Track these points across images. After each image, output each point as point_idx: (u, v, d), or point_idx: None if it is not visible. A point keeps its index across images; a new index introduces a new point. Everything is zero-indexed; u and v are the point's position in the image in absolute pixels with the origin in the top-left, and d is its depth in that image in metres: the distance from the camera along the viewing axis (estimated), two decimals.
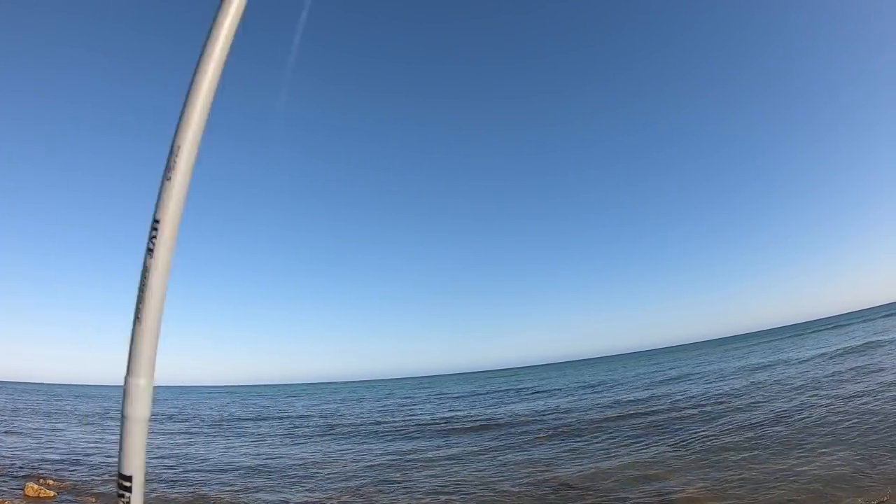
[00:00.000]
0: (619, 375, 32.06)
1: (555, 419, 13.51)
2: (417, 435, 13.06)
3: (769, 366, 21.41)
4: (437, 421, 16.07)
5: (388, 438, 12.86)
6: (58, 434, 15.08)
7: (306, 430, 16.44)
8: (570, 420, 13.04)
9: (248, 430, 17.18)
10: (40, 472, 8.91)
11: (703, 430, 9.31)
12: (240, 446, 12.93)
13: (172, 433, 16.12)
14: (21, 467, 9.25)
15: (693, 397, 14.57)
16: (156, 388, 1.12)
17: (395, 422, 17.00)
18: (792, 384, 13.79)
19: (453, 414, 18.00)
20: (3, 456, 10.48)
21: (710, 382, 18.39)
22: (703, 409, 11.94)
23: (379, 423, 17.02)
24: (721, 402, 12.52)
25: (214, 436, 15.54)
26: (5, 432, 14.73)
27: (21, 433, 14.76)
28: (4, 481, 8.08)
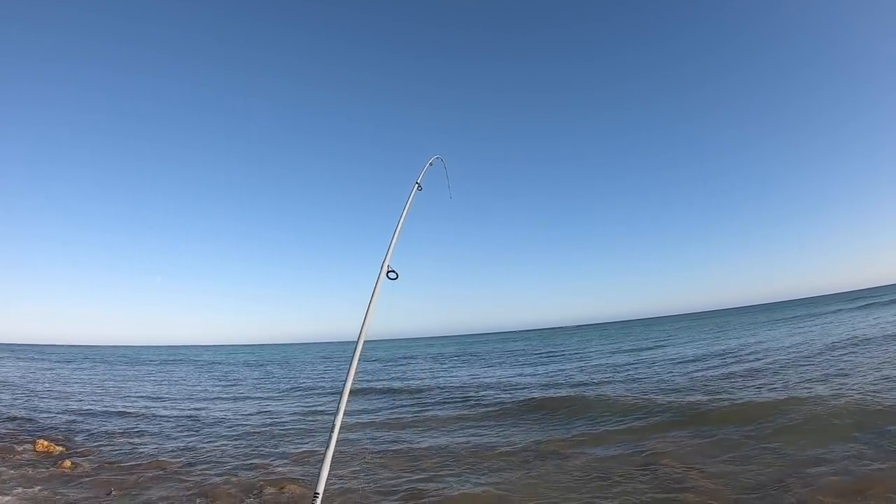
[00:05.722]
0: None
1: None
2: None
3: None
4: None
5: None
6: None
7: None
8: None
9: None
10: (54, 429, 9.82)
11: None
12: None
13: None
14: (52, 427, 10.20)
15: None
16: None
17: None
18: None
19: None
20: (30, 413, 11.44)
21: None
22: None
23: None
24: None
25: None
26: None
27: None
28: (21, 437, 8.96)
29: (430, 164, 3.28)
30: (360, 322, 2.19)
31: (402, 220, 2.70)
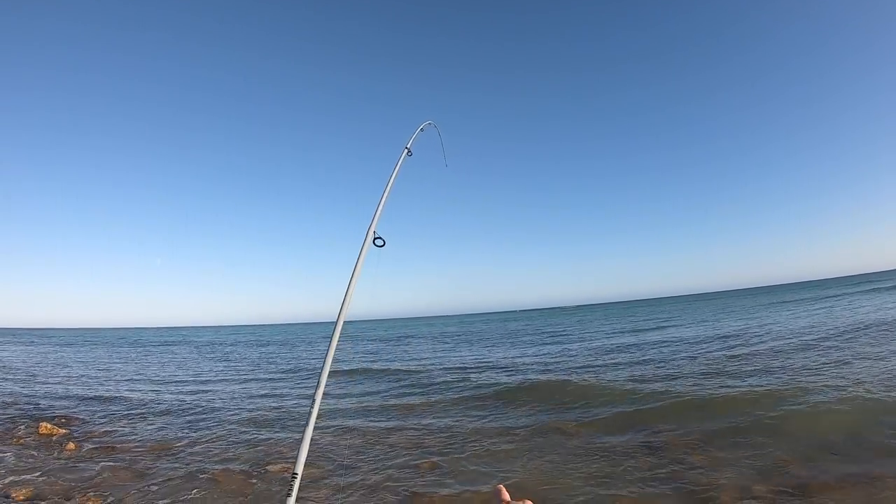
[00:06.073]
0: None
1: None
2: None
3: None
4: None
5: None
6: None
7: None
8: None
9: None
10: (57, 412, 9.85)
11: None
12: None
13: None
14: (54, 410, 10.21)
15: None
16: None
17: None
18: None
19: None
20: (32, 397, 11.49)
21: None
22: None
23: None
24: None
25: None
26: None
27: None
28: (24, 420, 8.99)
29: (422, 130, 3.09)
30: (346, 292, 2.06)
31: (390, 184, 2.54)
